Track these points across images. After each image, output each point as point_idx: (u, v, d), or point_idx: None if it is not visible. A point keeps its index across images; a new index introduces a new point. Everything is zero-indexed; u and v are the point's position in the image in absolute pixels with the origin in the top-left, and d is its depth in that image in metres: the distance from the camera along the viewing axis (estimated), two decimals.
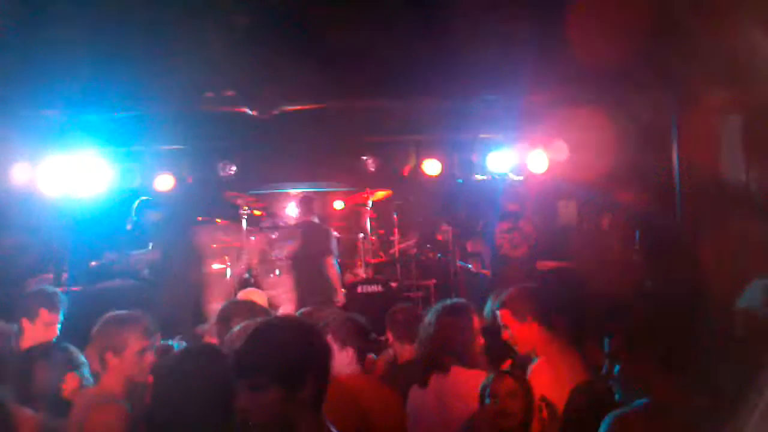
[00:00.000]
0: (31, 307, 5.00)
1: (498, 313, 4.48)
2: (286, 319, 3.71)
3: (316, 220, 9.32)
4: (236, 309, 4.60)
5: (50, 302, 5.05)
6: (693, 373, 3.26)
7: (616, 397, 3.29)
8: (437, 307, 4.50)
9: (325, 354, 2.91)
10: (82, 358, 4.21)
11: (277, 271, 9.80)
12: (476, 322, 4.45)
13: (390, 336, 5.04)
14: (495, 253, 8.82)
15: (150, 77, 7.00)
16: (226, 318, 4.54)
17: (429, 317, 4.45)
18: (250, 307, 4.62)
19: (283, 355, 2.76)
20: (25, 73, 6.71)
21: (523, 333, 4.37)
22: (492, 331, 4.63)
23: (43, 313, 4.99)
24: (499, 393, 3.90)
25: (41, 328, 4.87)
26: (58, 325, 5.06)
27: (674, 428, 3.11)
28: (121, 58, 6.71)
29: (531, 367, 4.29)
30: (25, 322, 4.95)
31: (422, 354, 4.41)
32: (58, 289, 5.26)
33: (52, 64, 6.72)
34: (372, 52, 7.34)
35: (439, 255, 10.12)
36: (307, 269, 9.01)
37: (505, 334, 4.44)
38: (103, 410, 3.65)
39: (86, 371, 4.15)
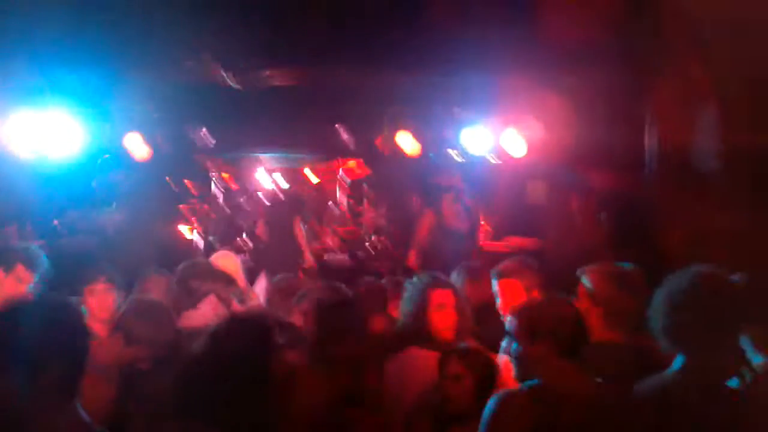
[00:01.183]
0: (10, 258, 4.89)
1: (496, 282, 4.42)
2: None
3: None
4: (194, 270, 4.52)
5: (30, 261, 4.95)
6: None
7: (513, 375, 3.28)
8: (414, 281, 4.42)
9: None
10: None
11: (243, 234, 9.78)
12: (459, 298, 4.39)
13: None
14: (439, 225, 8.81)
15: (126, 38, 6.88)
16: (183, 279, 4.46)
17: (411, 291, 4.37)
18: (210, 270, 4.53)
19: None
20: None
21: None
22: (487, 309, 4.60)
23: (20, 269, 4.89)
24: (444, 375, 3.74)
25: (13, 282, 4.77)
26: (29, 287, 4.95)
27: (554, 412, 3.09)
28: (96, 15, 6.60)
29: None
30: None
31: (400, 329, 4.33)
32: (42, 253, 5.11)
33: (23, 20, 6.59)
34: (350, 24, 7.31)
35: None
36: (276, 233, 8.98)
37: (501, 304, 4.41)
38: None
39: None
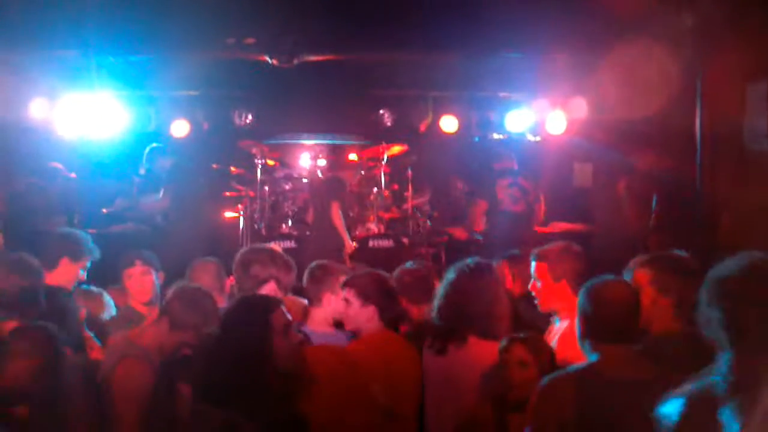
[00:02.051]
0: (77, 249, 4.96)
1: (533, 263, 4.36)
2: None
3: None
4: (255, 256, 4.52)
5: (75, 253, 5.01)
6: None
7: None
8: (457, 267, 4.24)
9: None
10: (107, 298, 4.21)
11: (289, 222, 9.80)
12: (501, 286, 4.28)
13: (402, 300, 4.65)
14: (494, 208, 8.76)
15: (171, 21, 6.93)
16: (245, 264, 4.46)
17: (448, 278, 4.21)
18: (270, 255, 4.53)
19: None
20: (45, 13, 6.65)
21: (553, 292, 4.24)
22: (526, 298, 4.53)
23: (86, 259, 4.96)
24: (509, 362, 3.65)
25: (77, 271, 4.84)
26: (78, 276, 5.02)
27: (599, 397, 3.06)
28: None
29: (557, 331, 4.15)
30: (64, 262, 4.91)
31: (438, 318, 4.17)
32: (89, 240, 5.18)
33: (71, 3, 6.67)
34: (394, 4, 7.27)
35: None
36: (317, 218, 9.01)
37: (533, 285, 4.30)
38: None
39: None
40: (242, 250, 4.63)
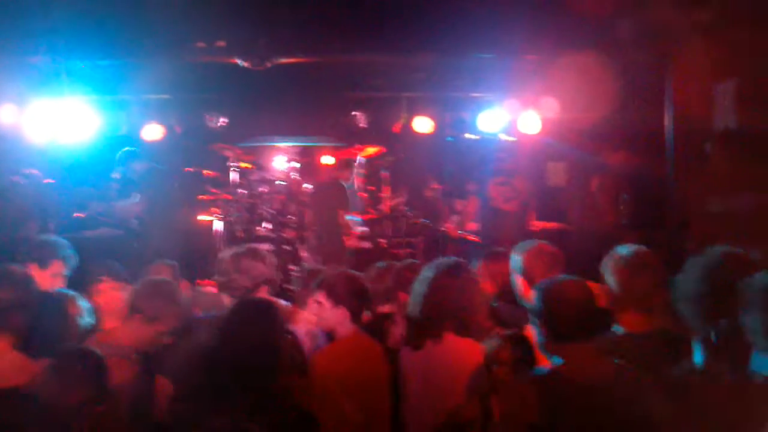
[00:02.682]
0: (46, 254, 4.92)
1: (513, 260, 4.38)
2: None
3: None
4: (254, 258, 4.48)
5: (64, 256, 4.98)
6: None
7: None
8: (435, 265, 4.26)
9: None
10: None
11: (266, 224, 9.79)
12: (477, 285, 4.29)
13: (402, 296, 4.66)
14: (486, 206, 8.83)
15: (140, 25, 6.90)
16: (242, 266, 4.42)
17: (425, 275, 4.22)
18: (266, 257, 4.51)
19: None
20: (12, 18, 6.61)
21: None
22: (504, 295, 4.56)
23: (57, 264, 4.92)
24: (498, 359, 3.69)
25: (49, 278, 4.79)
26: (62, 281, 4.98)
27: (562, 400, 3.09)
28: (110, 4, 6.62)
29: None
30: (33, 269, 4.88)
31: (414, 314, 4.17)
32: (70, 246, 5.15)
33: (37, 9, 6.63)
34: (366, 5, 7.28)
35: (423, 220, 10.10)
36: (318, 223, 9.03)
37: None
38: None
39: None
40: (235, 252, 4.58)
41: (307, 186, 9.97)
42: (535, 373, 3.26)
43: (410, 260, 5.21)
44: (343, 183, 9.29)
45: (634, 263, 3.70)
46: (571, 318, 3.19)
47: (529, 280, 4.24)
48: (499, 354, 3.71)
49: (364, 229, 9.47)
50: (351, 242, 9.04)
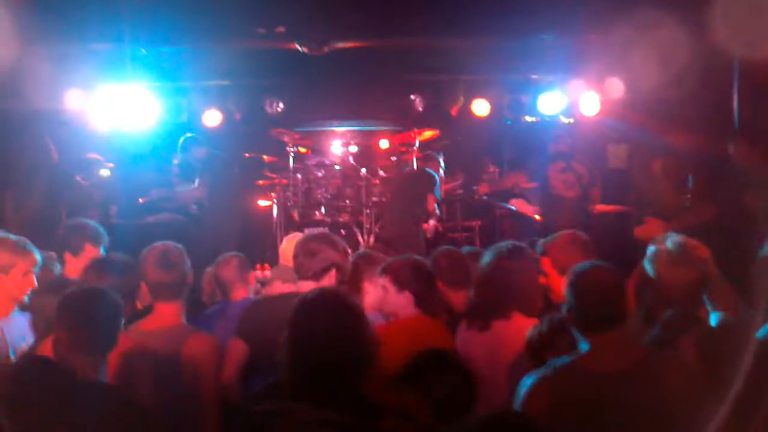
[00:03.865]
0: (76, 240, 5.01)
1: (540, 258, 4.35)
2: None
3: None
4: (320, 243, 4.46)
5: (95, 238, 5.06)
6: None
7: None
8: (495, 249, 4.31)
9: None
10: None
11: (323, 209, 9.83)
12: (536, 267, 4.30)
13: (439, 284, 4.60)
14: (547, 193, 8.72)
15: (201, 11, 6.96)
16: (311, 251, 4.41)
17: (487, 259, 4.27)
18: (334, 242, 4.49)
19: None
20: (79, 6, 6.72)
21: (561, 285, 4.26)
22: None
23: (88, 248, 5.00)
24: (556, 342, 3.61)
25: (84, 262, 4.86)
26: None
27: (582, 390, 3.07)
28: None
29: None
30: (67, 255, 4.97)
31: (479, 298, 4.24)
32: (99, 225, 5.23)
33: None
34: None
35: (484, 197, 10.05)
36: (397, 211, 8.99)
37: (542, 279, 4.32)
38: None
39: None
40: (303, 237, 4.57)
41: (365, 170, 9.95)
42: (549, 365, 3.24)
43: (444, 247, 5.20)
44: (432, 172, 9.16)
45: (677, 259, 3.66)
46: (597, 306, 3.17)
47: (559, 270, 4.21)
48: (558, 335, 3.63)
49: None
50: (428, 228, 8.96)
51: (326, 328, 3.00)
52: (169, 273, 3.99)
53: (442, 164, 9.49)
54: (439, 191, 9.04)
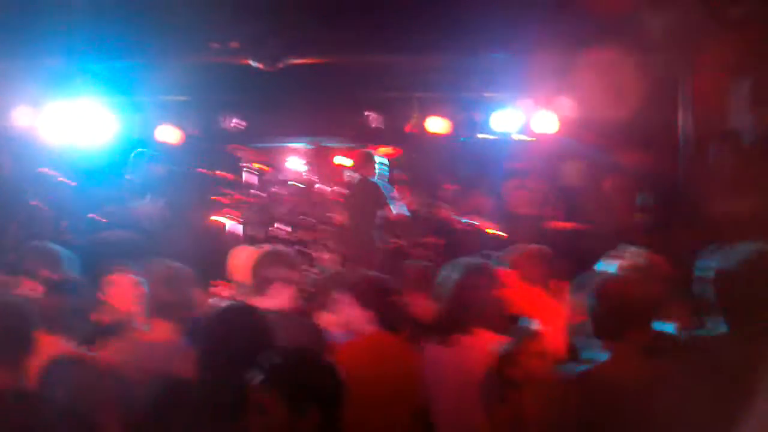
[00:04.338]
0: (32, 265, 4.89)
1: (503, 272, 4.39)
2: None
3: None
4: (276, 259, 4.44)
5: (53, 264, 4.95)
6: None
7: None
8: (458, 264, 4.31)
9: None
10: None
11: (279, 225, 9.82)
12: (499, 283, 4.31)
13: (406, 293, 4.75)
14: (503, 210, 8.78)
15: (154, 26, 6.93)
16: (262, 267, 4.40)
17: (449, 274, 4.28)
18: (291, 259, 4.48)
19: None
20: (28, 20, 6.64)
21: (529, 298, 4.30)
22: None
23: (45, 274, 4.89)
24: (525, 352, 3.65)
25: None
26: None
27: (600, 398, 3.09)
28: (124, 6, 6.64)
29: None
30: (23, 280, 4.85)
31: (443, 311, 4.24)
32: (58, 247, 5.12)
33: (54, 11, 6.66)
34: (378, 5, 7.28)
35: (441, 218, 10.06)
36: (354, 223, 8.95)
37: (504, 292, 4.31)
38: None
39: None
40: (260, 254, 4.55)
41: (321, 186, 9.96)
42: (569, 371, 3.27)
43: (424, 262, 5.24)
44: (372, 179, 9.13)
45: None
46: (620, 314, 3.21)
47: (530, 282, 4.25)
48: (528, 344, 3.70)
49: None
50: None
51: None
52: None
53: (379, 161, 9.45)
54: (390, 197, 8.99)
